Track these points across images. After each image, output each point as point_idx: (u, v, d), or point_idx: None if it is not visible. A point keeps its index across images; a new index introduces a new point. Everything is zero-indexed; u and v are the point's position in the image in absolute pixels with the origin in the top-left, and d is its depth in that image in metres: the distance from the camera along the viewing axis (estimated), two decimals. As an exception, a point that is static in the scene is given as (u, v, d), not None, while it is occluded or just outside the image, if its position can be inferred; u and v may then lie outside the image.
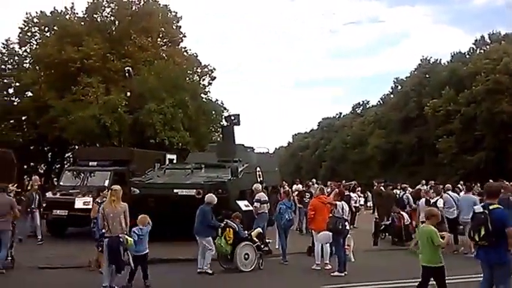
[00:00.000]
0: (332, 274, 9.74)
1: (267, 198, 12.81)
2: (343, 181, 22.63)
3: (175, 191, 12.83)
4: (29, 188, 15.99)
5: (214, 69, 32.42)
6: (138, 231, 8.52)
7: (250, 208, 12.30)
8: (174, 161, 18.85)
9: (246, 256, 10.10)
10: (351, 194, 17.69)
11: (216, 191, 11.71)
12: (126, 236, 8.09)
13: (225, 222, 10.26)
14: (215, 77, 32.53)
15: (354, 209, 17.22)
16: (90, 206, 13.73)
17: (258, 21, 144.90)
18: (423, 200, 13.72)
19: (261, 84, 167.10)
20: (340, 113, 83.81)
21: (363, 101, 76.67)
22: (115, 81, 26.44)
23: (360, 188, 22.87)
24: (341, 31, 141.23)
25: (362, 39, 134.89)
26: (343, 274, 9.67)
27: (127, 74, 22.83)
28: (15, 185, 19.09)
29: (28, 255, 10.95)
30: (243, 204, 12.51)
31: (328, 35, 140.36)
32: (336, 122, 79.31)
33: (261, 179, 15.53)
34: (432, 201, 13.02)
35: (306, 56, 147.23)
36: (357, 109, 76.15)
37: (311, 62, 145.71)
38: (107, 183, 14.45)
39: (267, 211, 12.38)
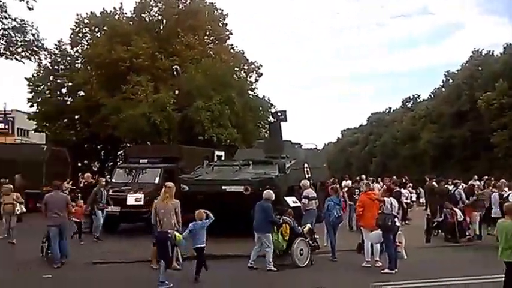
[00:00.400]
0: (382, 271, 9.45)
1: (315, 194, 12.59)
2: (394, 177, 22.04)
3: (223, 187, 12.82)
4: (80, 185, 16.37)
5: (261, 65, 32.46)
6: (192, 226, 8.58)
7: (298, 204, 12.14)
8: (222, 158, 18.96)
9: (301, 252, 10.04)
10: (402, 190, 17.20)
11: (263, 187, 11.62)
12: (176, 233, 8.12)
13: (281, 218, 10.19)
14: (262, 74, 32.57)
15: (405, 205, 16.75)
16: (141, 203, 14.18)
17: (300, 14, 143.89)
18: (496, 194, 13.34)
19: (310, 77, 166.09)
20: (390, 108, 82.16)
21: (413, 95, 74.93)
22: (163, 80, 26.90)
23: (411, 184, 22.19)
24: (389, 24, 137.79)
25: (411, 32, 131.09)
26: (393, 271, 9.35)
27: (175, 72, 23.17)
28: (70, 182, 20.04)
29: (83, 251, 11.28)
30: (291, 201, 12.36)
31: (374, 27, 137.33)
32: (386, 117, 77.90)
33: (309, 175, 15.31)
34: (505, 195, 12.69)
35: (359, 49, 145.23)
36: (407, 103, 74.34)
37: (362, 55, 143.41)
38: (157, 180, 14.80)
39: (315, 207, 12.17)
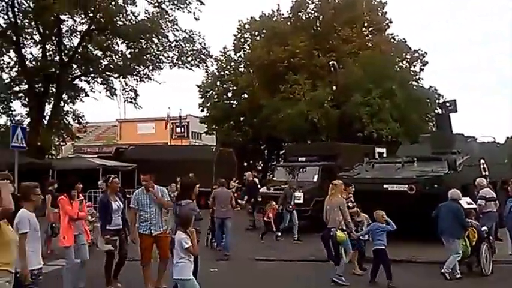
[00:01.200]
0: None
1: (494, 194, 10.89)
2: None
3: (385, 186, 11.93)
4: (245, 183, 16.95)
5: (426, 53, 30.14)
6: (372, 226, 8.22)
7: (474, 206, 10.61)
8: (384, 155, 17.98)
9: (486, 258, 8.83)
10: None
11: (431, 186, 10.46)
12: (338, 231, 7.90)
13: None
14: (427, 62, 30.22)
15: None
16: (301, 201, 14.09)
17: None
18: None
19: (483, 59, 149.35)
20: None
21: None
22: (320, 77, 26.74)
23: None
24: None
25: None
26: None
27: (332, 68, 22.76)
28: (237, 181, 21.12)
29: (247, 247, 11.56)
30: (464, 202, 10.87)
31: None
32: None
33: (486, 172, 13.39)
34: None
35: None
36: None
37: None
38: (315, 178, 14.64)
39: (495, 210, 10.52)
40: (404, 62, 29.60)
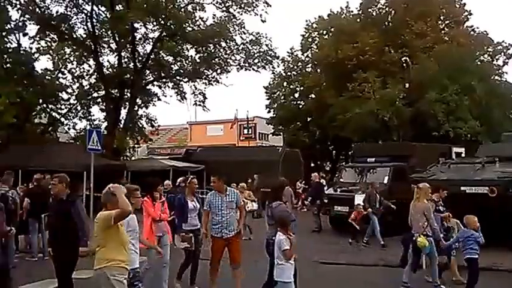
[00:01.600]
0: None
1: None
2: None
3: (462, 188, 11.12)
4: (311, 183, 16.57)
5: (511, 45, 27.97)
6: (461, 233, 7.54)
7: None
8: (462, 155, 16.81)
9: None
10: None
11: (515, 188, 9.56)
12: (420, 237, 7.47)
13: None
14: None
15: None
16: (370, 203, 13.52)
17: None
18: None
19: None
20: None
21: None
22: (392, 74, 25.72)
23: None
24: None
25: None
26: None
27: (404, 64, 21.75)
28: (303, 182, 20.80)
29: (312, 249, 11.25)
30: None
31: None
32: None
33: None
34: None
35: None
36: None
37: None
38: (386, 179, 13.96)
39: None
40: (485, 55, 27.74)
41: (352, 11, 30.70)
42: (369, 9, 29.54)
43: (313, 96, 30.02)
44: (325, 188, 16.35)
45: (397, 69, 25.00)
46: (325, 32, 31.20)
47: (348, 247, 11.78)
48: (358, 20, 29.76)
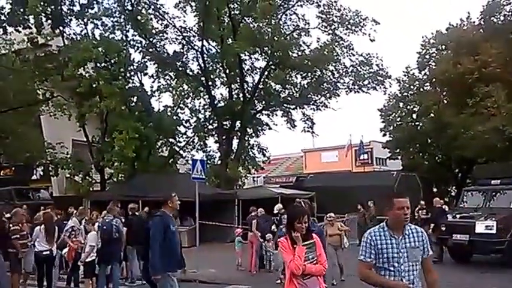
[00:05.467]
0: None
1: None
2: None
3: None
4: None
5: None
6: None
7: None
8: None
9: None
10: None
11: None
12: None
13: None
14: None
15: None
16: (493, 231, 11.83)
17: None
18: None
19: None
20: None
21: None
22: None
23: None
24: None
25: None
26: None
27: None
28: (424, 210, 19.03)
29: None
30: None
31: None
32: None
33: None
34: None
35: None
36: None
37: None
38: (513, 204, 12.17)
39: None
40: None
41: (474, 22, 28.15)
42: (492, 18, 26.79)
43: (432, 115, 27.80)
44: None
45: (525, 81, 22.07)
46: (444, 47, 28.99)
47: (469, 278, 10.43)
48: (481, 30, 27.14)
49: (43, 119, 26.88)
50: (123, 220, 10.62)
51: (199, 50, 25.15)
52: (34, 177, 29.28)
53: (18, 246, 9.17)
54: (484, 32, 26.37)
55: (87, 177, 23.82)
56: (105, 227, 9.77)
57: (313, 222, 5.27)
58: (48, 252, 9.44)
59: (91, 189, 23.53)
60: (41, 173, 28.68)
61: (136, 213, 11.99)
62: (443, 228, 13.17)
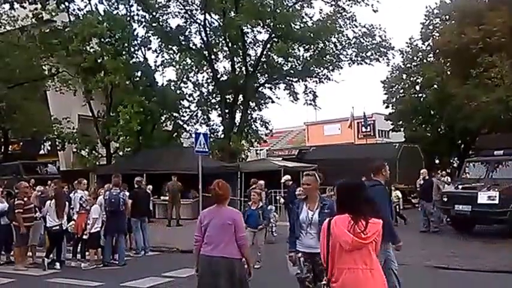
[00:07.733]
0: None
1: None
2: None
3: None
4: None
5: None
6: None
7: None
8: None
9: None
10: None
11: None
12: None
13: None
14: None
15: None
16: (496, 202, 11.99)
17: None
18: None
19: None
20: None
21: None
22: (525, 56, 22.51)
23: None
24: None
25: None
26: None
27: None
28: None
29: (423, 252, 10.31)
30: None
31: None
32: None
33: None
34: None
35: None
36: None
37: None
38: (519, 174, 12.33)
39: None
40: None
41: (483, -10, 27.59)
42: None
43: (435, 87, 27.65)
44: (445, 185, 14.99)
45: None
46: (447, 17, 28.59)
47: (472, 250, 10.61)
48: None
49: (49, 95, 27.16)
50: (127, 193, 10.84)
51: (202, 23, 24.96)
52: (42, 152, 29.69)
53: (21, 221, 9.36)
54: (489, 0, 25.99)
55: (93, 152, 24.14)
56: (112, 200, 10.00)
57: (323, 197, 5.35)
58: (58, 227, 9.68)
59: (97, 163, 23.90)
60: (49, 148, 29.01)
61: (142, 186, 12.20)
62: (445, 199, 13.36)
